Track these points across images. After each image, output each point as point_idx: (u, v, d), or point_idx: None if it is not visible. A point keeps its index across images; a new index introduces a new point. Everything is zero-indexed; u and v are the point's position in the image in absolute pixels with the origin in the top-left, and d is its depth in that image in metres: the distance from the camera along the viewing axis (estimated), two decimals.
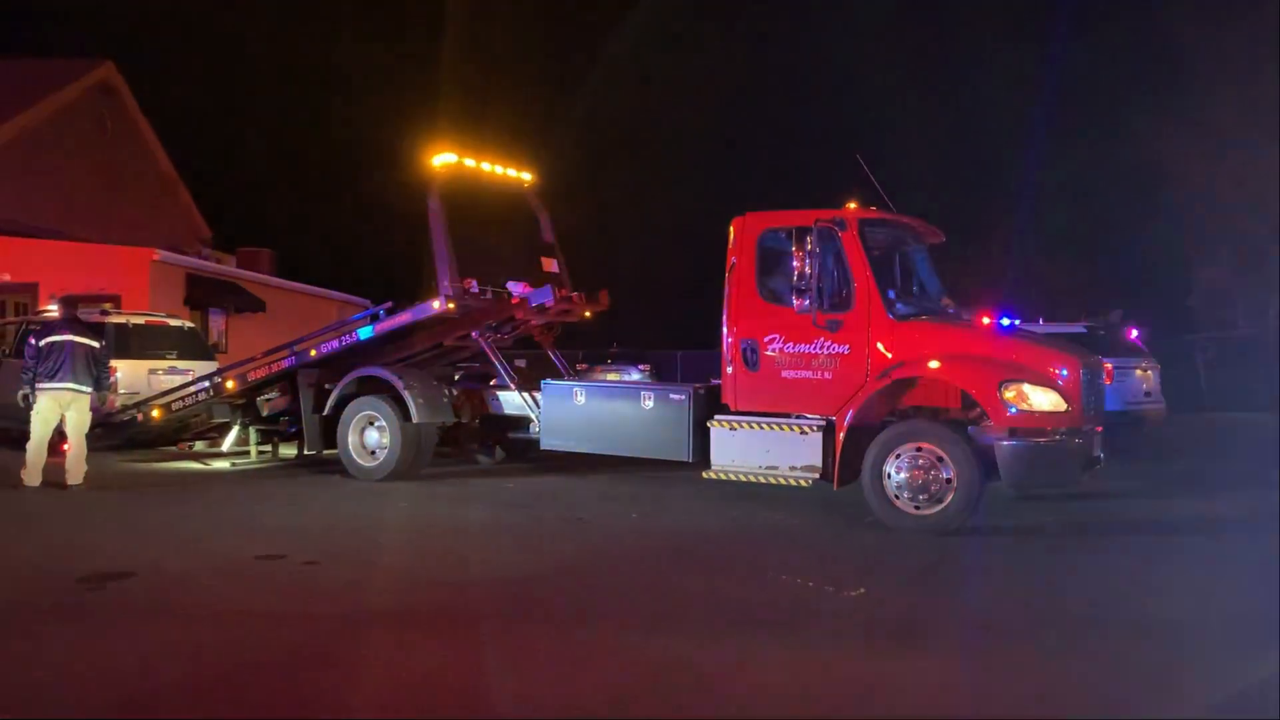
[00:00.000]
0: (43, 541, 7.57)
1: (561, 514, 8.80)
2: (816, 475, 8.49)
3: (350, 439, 10.92)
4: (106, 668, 4.63)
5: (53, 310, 13.62)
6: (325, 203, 36.54)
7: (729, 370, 9.01)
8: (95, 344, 10.32)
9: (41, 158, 20.04)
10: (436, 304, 10.68)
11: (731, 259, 9.08)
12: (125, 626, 5.30)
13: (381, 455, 10.78)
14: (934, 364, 8.25)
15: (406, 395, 10.61)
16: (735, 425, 8.90)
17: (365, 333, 11.25)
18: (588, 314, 11.93)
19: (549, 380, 10.55)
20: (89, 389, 10.13)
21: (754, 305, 8.93)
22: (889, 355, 8.35)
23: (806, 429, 8.55)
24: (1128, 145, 26.83)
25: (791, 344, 8.67)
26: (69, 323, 10.35)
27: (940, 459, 7.97)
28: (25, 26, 42.22)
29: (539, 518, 8.63)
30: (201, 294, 19.31)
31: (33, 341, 10.19)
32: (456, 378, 11.97)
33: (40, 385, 9.96)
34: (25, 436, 10.07)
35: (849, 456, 8.30)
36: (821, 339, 8.52)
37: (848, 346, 8.47)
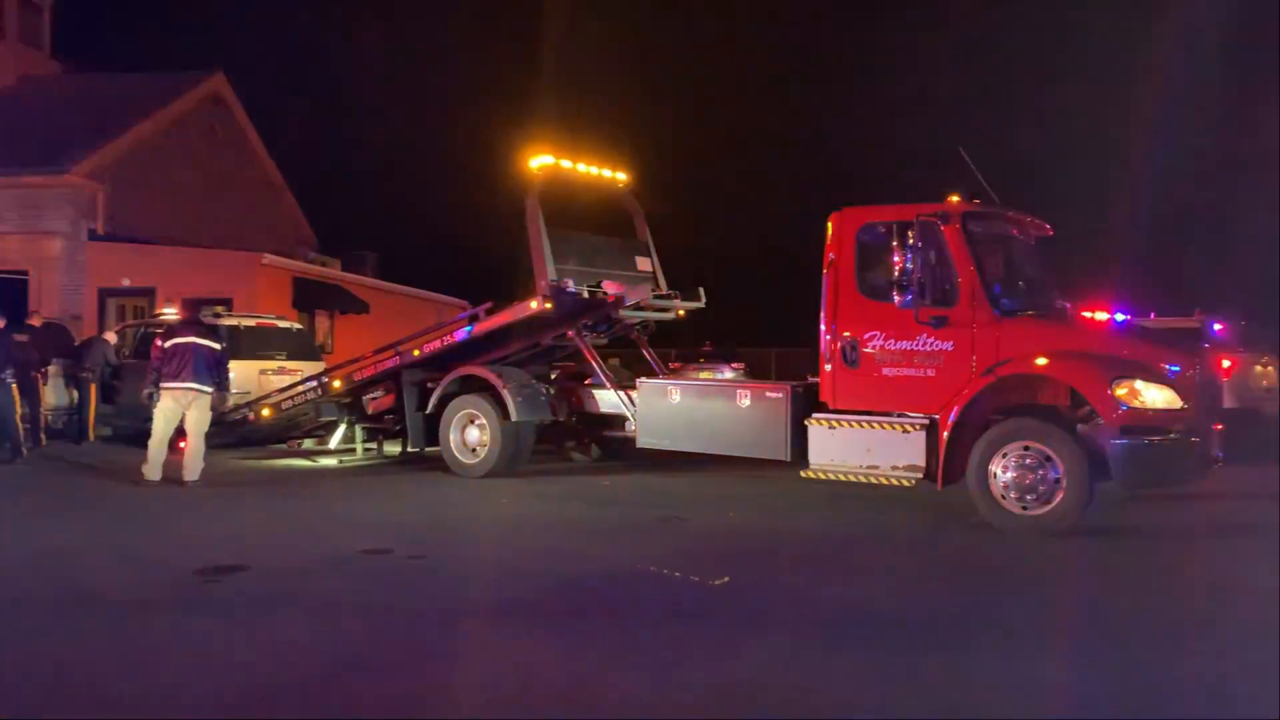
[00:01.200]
0: (162, 536, 7.90)
1: (658, 512, 8.81)
2: (919, 475, 8.33)
3: (452, 436, 11.12)
4: (222, 658, 4.80)
5: (169, 313, 14.24)
6: (426, 206, 37.25)
7: (827, 368, 8.90)
8: (216, 346, 10.64)
9: (156, 167, 20.89)
10: (534, 304, 10.79)
11: (829, 255, 8.96)
12: (240, 618, 5.49)
13: (482, 453, 10.96)
14: (1041, 361, 8.01)
15: (505, 394, 10.77)
16: (835, 424, 8.79)
17: (465, 333, 11.45)
18: (682, 312, 11.93)
19: (644, 379, 10.58)
20: (210, 389, 10.47)
21: (853, 302, 8.80)
22: (995, 352, 8.14)
23: (909, 427, 8.39)
24: (1249, 130, 25.62)
25: (893, 341, 8.52)
26: (191, 325, 10.75)
27: (1048, 458, 7.73)
28: (141, 43, 44.17)
29: (636, 516, 8.66)
30: (308, 296, 19.88)
31: (159, 343, 10.59)
32: (553, 376, 12.10)
33: (164, 385, 10.34)
34: (146, 434, 10.50)
35: (953, 455, 8.12)
36: (924, 335, 8.35)
37: (952, 343, 8.28)
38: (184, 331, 10.57)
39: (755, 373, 12.48)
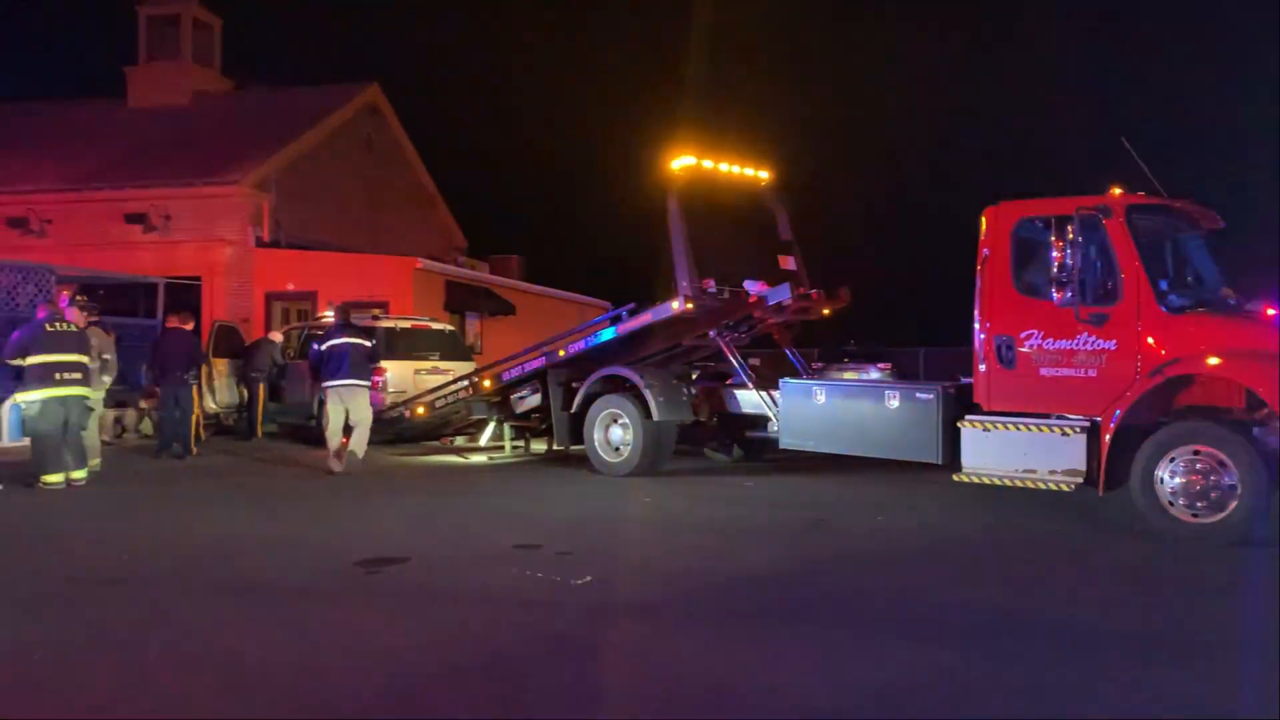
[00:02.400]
0: (326, 527, 8.28)
1: (803, 514, 8.71)
2: (1079, 479, 7.98)
3: (596, 435, 11.28)
4: (388, 647, 4.98)
5: (330, 316, 14.94)
6: (569, 209, 38.00)
7: (981, 368, 8.62)
8: (367, 343, 11.66)
9: (317, 177, 21.96)
10: (675, 304, 10.83)
11: (984, 251, 8.68)
12: (402, 608, 5.70)
13: (625, 451, 11.07)
14: (1213, 360, 7.55)
15: (648, 394, 10.85)
16: (989, 426, 8.50)
17: (608, 333, 11.59)
18: (826, 311, 11.76)
19: (788, 379, 10.49)
20: (366, 383, 11.56)
21: (1009, 299, 8.49)
22: (1161, 351, 7.73)
23: (1069, 430, 8.05)
24: None
25: (1051, 340, 8.19)
26: (345, 327, 11.65)
27: (1221, 463, 7.28)
28: (303, 58, 46.44)
29: (781, 517, 8.58)
30: (458, 299, 20.53)
31: (316, 346, 11.66)
32: (695, 376, 12.13)
33: (325, 383, 11.40)
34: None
35: (1116, 460, 7.73)
36: (1085, 334, 8.00)
37: (1115, 342, 7.90)
38: (339, 334, 11.55)
39: (902, 373, 12.18)
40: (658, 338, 11.55)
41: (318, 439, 13.29)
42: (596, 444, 11.28)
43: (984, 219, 8.72)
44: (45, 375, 9.73)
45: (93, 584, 6.13)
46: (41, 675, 4.52)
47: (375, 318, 14.81)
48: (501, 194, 40.19)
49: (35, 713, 4.09)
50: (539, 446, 12.94)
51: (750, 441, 11.66)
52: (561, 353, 11.92)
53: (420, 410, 13.13)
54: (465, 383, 12.94)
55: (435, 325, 15.99)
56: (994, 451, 8.46)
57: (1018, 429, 8.33)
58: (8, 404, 10.99)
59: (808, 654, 4.87)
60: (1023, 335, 8.34)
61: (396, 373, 14.05)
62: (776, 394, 10.43)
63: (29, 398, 9.75)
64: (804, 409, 10.06)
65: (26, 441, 10.44)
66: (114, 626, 5.26)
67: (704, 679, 4.54)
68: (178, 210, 19.85)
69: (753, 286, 11.06)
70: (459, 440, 14.11)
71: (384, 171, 24.59)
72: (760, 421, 10.91)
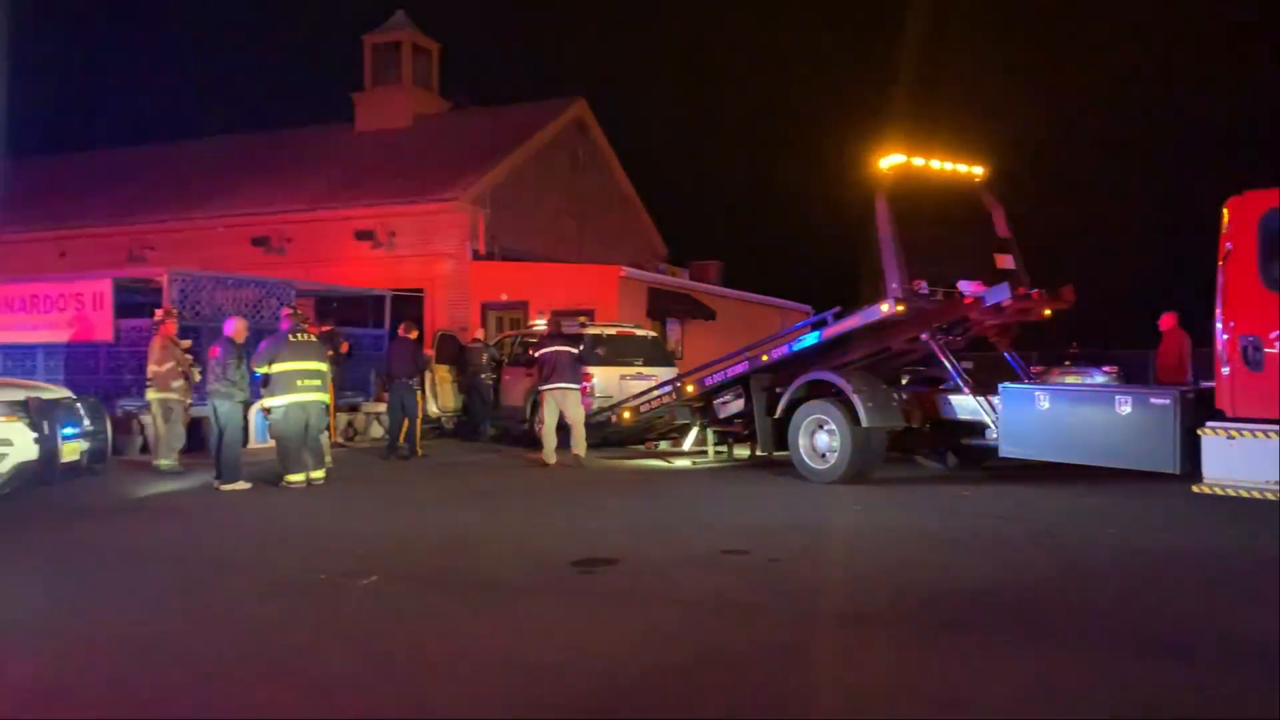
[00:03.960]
0: (540, 526, 8.56)
1: (1027, 526, 8.27)
2: None
3: (800, 441, 11.13)
4: (599, 646, 5.09)
5: (540, 324, 15.51)
6: (768, 213, 37.85)
7: (1225, 371, 7.95)
8: (575, 350, 12.61)
9: (528, 190, 22.83)
10: (885, 307, 10.55)
11: (1226, 245, 8.00)
12: (614, 608, 5.81)
13: (831, 458, 10.87)
14: None
15: (855, 399, 10.61)
16: (1235, 434, 7.82)
17: (813, 338, 11.42)
18: (1048, 312, 11.13)
19: (1008, 384, 10.01)
20: (577, 386, 12.52)
21: (1256, 296, 7.79)
22: None
23: None
24: None
25: None
26: (556, 336, 12.71)
27: None
28: (514, 76, 48.42)
29: (1001, 529, 8.18)
30: (660, 305, 20.82)
31: (531, 353, 12.81)
32: (905, 381, 11.77)
33: (541, 387, 12.49)
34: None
35: None
36: None
37: None
38: (550, 342, 12.61)
39: (1129, 377, 11.41)
40: (865, 342, 11.28)
41: (531, 441, 13.83)
42: (802, 450, 11.13)
43: (1227, 210, 8.05)
44: (288, 382, 10.54)
45: (331, 576, 6.57)
46: (284, 659, 4.88)
47: (582, 325, 15.21)
48: (701, 200, 40.49)
49: (274, 695, 4.41)
50: (742, 452, 12.92)
51: (966, 449, 11.20)
52: (765, 358, 11.84)
53: (626, 415, 13.38)
54: (669, 388, 13.08)
55: (639, 331, 16.26)
56: (1240, 462, 7.78)
57: (1268, 437, 7.62)
58: (255, 409, 11.96)
59: (1025, 670, 4.61)
60: (1273, 335, 7.63)
61: (603, 378, 14.38)
62: (995, 399, 9.98)
63: (274, 403, 10.58)
64: (1026, 415, 9.58)
65: (271, 443, 11.39)
66: (349, 617, 5.62)
67: (918, 692, 4.38)
68: (402, 227, 21.09)
69: (968, 287, 10.63)
70: (663, 445, 14.29)
71: (589, 182, 25.28)
72: (977, 428, 10.47)
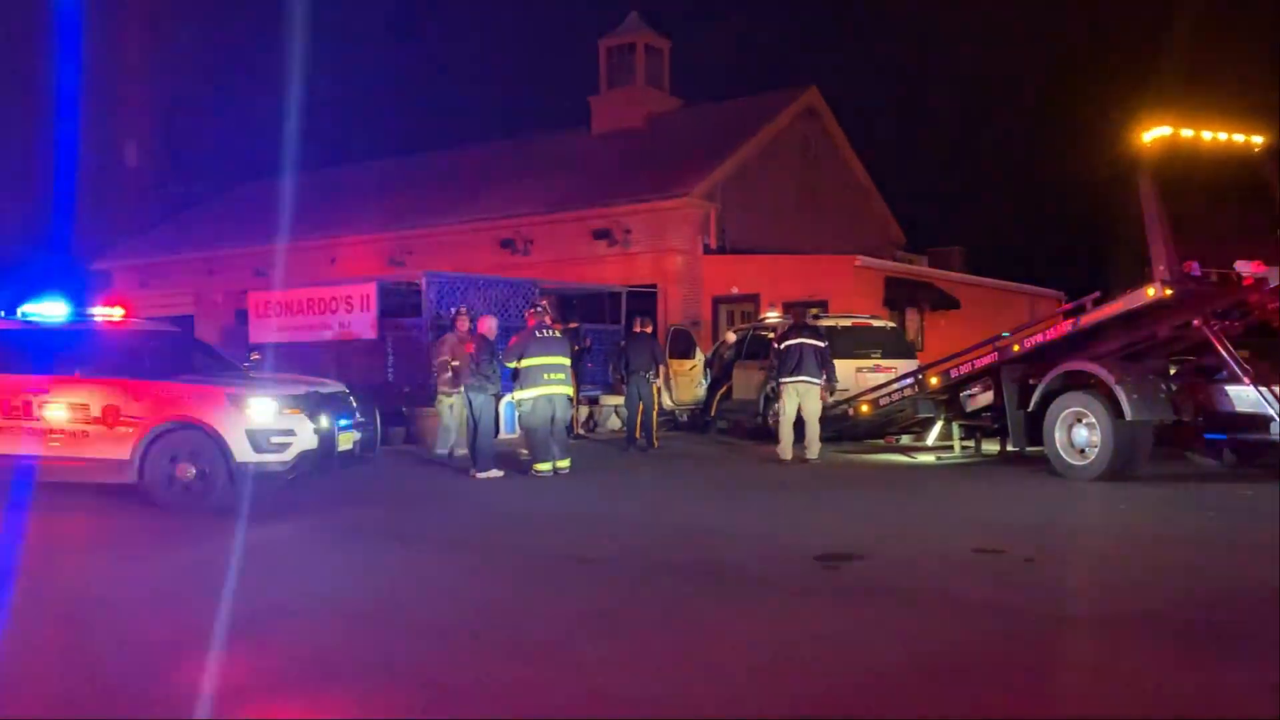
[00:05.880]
0: (781, 520, 8.54)
1: None
2: None
3: (1057, 436, 10.49)
4: (852, 641, 5.00)
5: (773, 316, 15.45)
6: (1014, 194, 35.95)
7: None
8: (821, 344, 12.17)
9: (758, 182, 22.76)
10: (1151, 291, 9.80)
11: None
12: (863, 605, 5.69)
13: (1091, 454, 10.18)
14: None
15: (1119, 391, 9.88)
16: None
17: (1070, 326, 10.75)
18: None
19: None
20: (819, 381, 12.07)
21: None
22: None
23: None
24: None
25: None
26: (800, 328, 12.36)
27: None
28: (744, 68, 48.51)
29: None
30: (898, 294, 20.23)
31: (775, 345, 12.43)
32: (1173, 371, 10.86)
33: (782, 380, 12.12)
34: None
35: None
36: None
37: None
38: (795, 334, 12.21)
39: None
40: (1128, 329, 10.49)
41: (766, 435, 13.80)
42: (1058, 445, 10.48)
43: None
44: (536, 376, 11.02)
45: (579, 562, 6.81)
46: (541, 639, 5.09)
47: (815, 317, 15.01)
48: (940, 184, 38.90)
49: (524, 674, 4.59)
50: (990, 447, 12.34)
51: (1246, 445, 10.20)
52: (1016, 347, 11.25)
53: (864, 408, 13.08)
54: (910, 380, 12.69)
55: (876, 322, 15.86)
56: None
57: None
58: (505, 401, 12.59)
59: None
60: None
61: (839, 371, 14.05)
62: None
63: (524, 395, 11.08)
64: None
65: (517, 434, 11.95)
66: (599, 602, 5.79)
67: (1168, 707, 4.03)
68: (635, 224, 21.57)
69: (1247, 267, 9.69)
70: (904, 439, 13.88)
71: (820, 171, 24.92)
72: (1259, 422, 9.51)
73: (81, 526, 8.58)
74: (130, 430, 8.90)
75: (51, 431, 9.06)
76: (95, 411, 8.98)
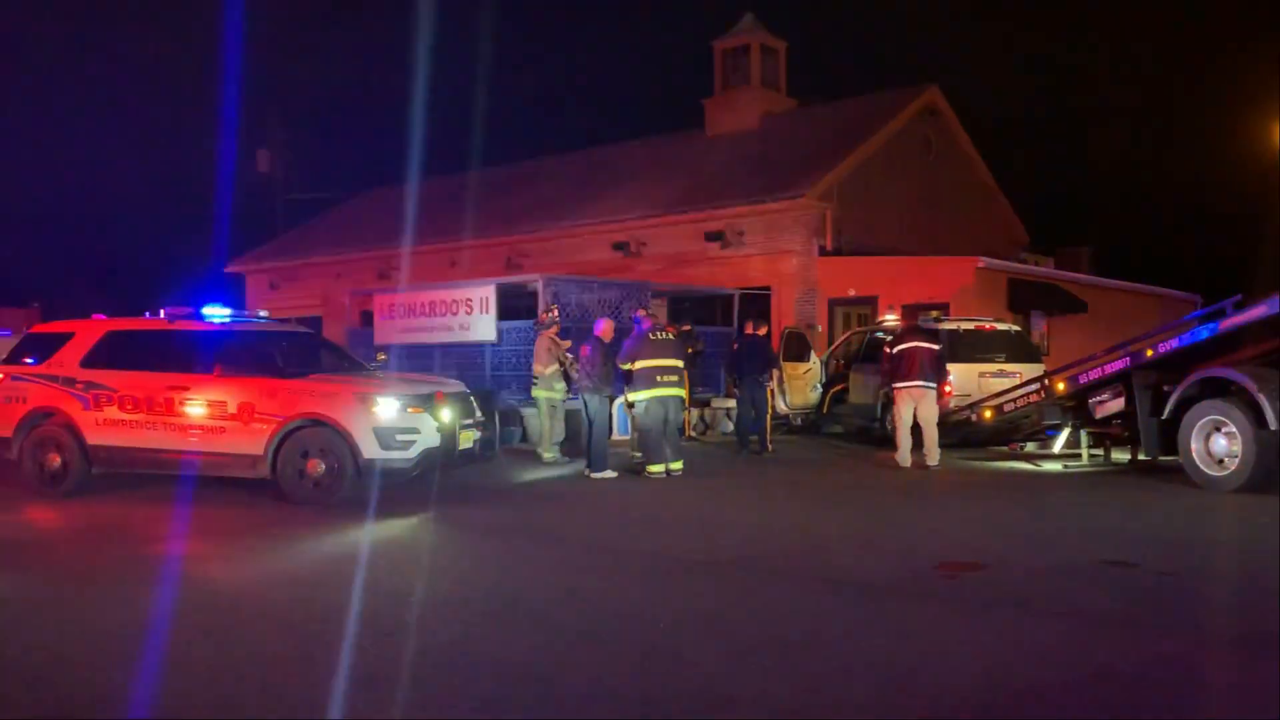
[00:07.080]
0: (901, 527, 8.37)
1: None
2: None
3: (1193, 445, 10.00)
4: (977, 652, 4.87)
5: (891, 320, 15.14)
6: (1147, 193, 34.48)
7: None
8: (935, 347, 11.95)
9: (876, 183, 22.31)
10: None
11: None
12: (987, 614, 5.54)
13: (1231, 464, 9.66)
14: None
15: (1261, 399, 9.35)
16: None
17: (1209, 330, 10.23)
18: None
19: None
20: (933, 385, 11.83)
21: None
22: None
23: None
24: None
25: None
26: (914, 332, 12.17)
27: None
28: (864, 67, 47.80)
29: None
30: (1023, 297, 19.55)
31: (887, 349, 12.20)
32: None
33: (896, 385, 11.88)
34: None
35: None
36: None
37: None
38: (909, 338, 12.00)
39: None
40: (1272, 334, 9.93)
41: (883, 440, 13.55)
42: (1194, 455, 9.99)
43: None
44: (650, 378, 11.08)
45: (696, 565, 6.81)
46: (658, 642, 5.11)
47: (936, 320, 14.65)
48: (1068, 183, 37.55)
49: (641, 678, 4.61)
50: (1121, 456, 11.85)
51: None
52: (1149, 352, 10.76)
53: (987, 414, 12.72)
54: (1035, 386, 12.28)
55: (999, 326, 15.36)
56: None
57: None
58: (618, 402, 12.68)
59: None
60: None
61: (960, 376, 13.73)
62: None
63: (637, 397, 11.15)
64: None
65: (630, 435, 12.04)
66: (717, 604, 5.79)
67: None
68: (749, 226, 21.44)
69: None
70: (1029, 446, 13.42)
71: (941, 171, 24.31)
72: None
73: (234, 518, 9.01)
74: (265, 427, 9.30)
75: (207, 426, 9.52)
76: (232, 409, 9.42)
